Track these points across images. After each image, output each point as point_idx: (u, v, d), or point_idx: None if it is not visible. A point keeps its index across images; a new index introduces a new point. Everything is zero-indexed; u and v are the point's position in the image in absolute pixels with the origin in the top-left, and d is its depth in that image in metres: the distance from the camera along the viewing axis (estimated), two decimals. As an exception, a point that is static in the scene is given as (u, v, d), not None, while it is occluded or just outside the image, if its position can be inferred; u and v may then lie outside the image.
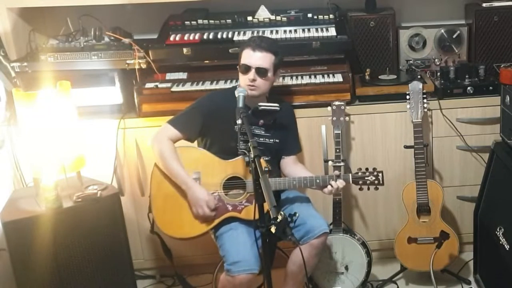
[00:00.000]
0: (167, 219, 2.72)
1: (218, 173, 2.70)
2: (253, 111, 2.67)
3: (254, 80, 2.68)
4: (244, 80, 2.71)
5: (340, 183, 2.67)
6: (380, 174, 2.73)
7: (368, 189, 2.75)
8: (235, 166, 2.71)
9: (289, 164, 2.88)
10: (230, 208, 2.69)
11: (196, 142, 2.87)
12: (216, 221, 2.68)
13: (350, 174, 2.74)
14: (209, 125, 2.76)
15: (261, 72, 2.69)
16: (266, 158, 2.74)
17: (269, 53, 2.70)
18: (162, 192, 2.73)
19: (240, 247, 2.54)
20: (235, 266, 2.49)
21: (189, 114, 2.77)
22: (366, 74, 3.26)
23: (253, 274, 2.50)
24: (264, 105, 2.69)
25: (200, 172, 2.70)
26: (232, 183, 2.71)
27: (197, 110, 2.77)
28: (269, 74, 2.72)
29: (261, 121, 2.78)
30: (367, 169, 2.74)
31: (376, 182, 2.73)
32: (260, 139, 2.76)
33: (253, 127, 2.74)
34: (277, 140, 2.83)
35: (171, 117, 2.79)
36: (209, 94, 2.90)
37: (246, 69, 2.69)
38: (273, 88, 3.10)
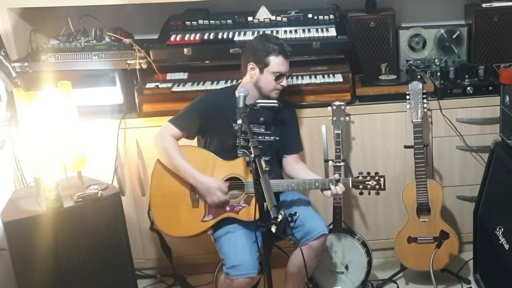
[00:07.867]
0: (165, 217, 2.73)
1: (217, 173, 2.70)
2: (251, 108, 2.65)
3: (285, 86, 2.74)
4: (272, 85, 2.72)
5: (340, 188, 2.64)
6: (382, 179, 2.68)
7: (369, 193, 2.72)
8: (234, 166, 2.70)
9: (290, 163, 2.86)
10: (227, 208, 2.69)
11: (196, 140, 2.88)
12: (213, 221, 2.69)
13: (350, 179, 2.71)
14: (207, 123, 2.77)
15: (287, 77, 2.76)
16: (266, 158, 2.73)
17: None
18: (162, 190, 2.74)
19: (238, 251, 2.54)
20: (233, 270, 2.49)
21: (188, 113, 2.78)
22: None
23: (251, 278, 2.51)
24: (262, 102, 2.70)
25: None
26: (230, 183, 2.70)
27: (196, 109, 2.78)
28: None
29: (261, 118, 2.77)
30: (368, 173, 2.70)
31: (377, 187, 2.69)
32: (259, 137, 2.73)
33: (253, 125, 2.72)
34: (277, 138, 2.81)
35: (172, 117, 2.80)
36: (208, 93, 2.92)
37: (279, 76, 2.71)
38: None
